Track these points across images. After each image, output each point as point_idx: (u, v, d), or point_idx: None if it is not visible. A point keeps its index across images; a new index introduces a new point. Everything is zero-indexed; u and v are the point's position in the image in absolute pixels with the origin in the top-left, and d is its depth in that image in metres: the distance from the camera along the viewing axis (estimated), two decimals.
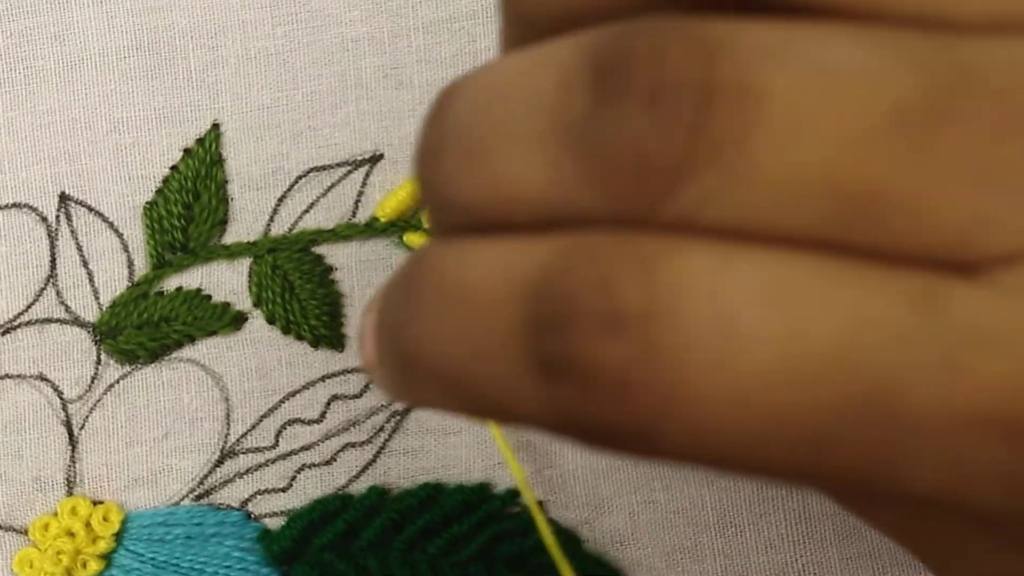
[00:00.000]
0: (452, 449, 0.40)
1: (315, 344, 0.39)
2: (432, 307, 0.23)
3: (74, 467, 0.39)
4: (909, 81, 0.20)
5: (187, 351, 0.39)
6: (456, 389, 0.24)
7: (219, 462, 0.40)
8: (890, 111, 0.19)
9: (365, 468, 0.40)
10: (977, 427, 0.19)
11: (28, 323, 0.39)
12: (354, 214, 0.39)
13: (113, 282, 0.39)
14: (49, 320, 0.39)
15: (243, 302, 0.39)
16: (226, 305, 0.39)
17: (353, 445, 0.40)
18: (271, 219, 0.39)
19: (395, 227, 0.39)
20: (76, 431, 0.39)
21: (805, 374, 0.20)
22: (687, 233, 0.21)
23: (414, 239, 0.39)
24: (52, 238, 0.39)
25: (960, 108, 0.19)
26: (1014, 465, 0.19)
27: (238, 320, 0.39)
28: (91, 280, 0.39)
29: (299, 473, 0.40)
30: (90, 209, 0.39)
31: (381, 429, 0.40)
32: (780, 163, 0.20)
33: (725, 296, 0.20)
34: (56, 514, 0.39)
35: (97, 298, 0.39)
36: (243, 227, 0.39)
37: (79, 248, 0.39)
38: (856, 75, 0.20)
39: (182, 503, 0.40)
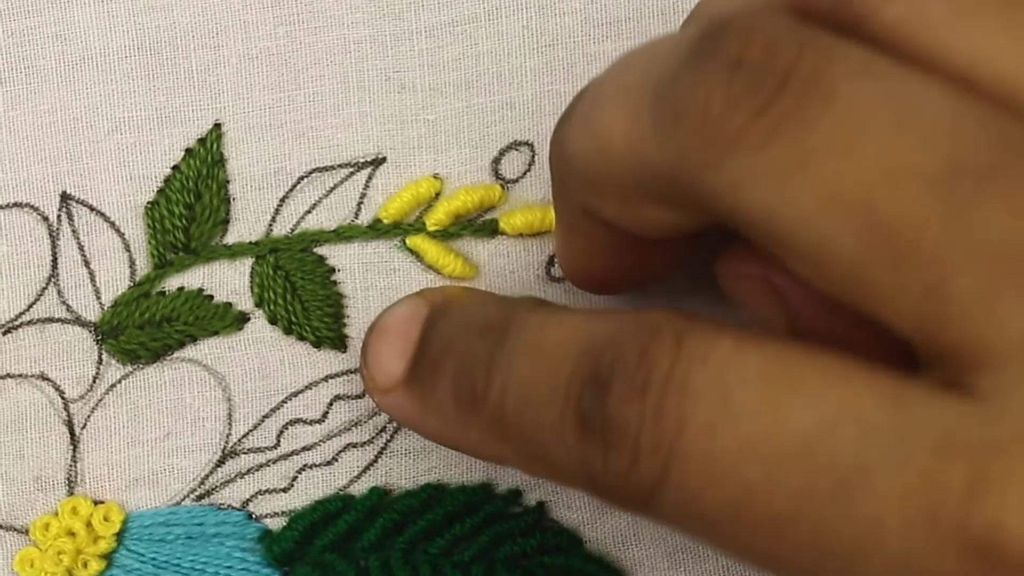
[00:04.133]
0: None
1: (317, 345, 0.39)
2: (515, 355, 0.27)
3: (75, 467, 0.39)
4: (973, 139, 0.20)
5: (189, 351, 0.39)
6: (511, 430, 0.27)
7: (220, 462, 0.40)
8: (947, 160, 0.20)
9: (366, 468, 0.40)
10: (937, 537, 0.19)
11: (29, 323, 0.39)
12: (356, 215, 0.39)
13: (115, 282, 0.39)
14: (50, 320, 0.39)
15: (245, 302, 0.39)
16: (228, 305, 0.39)
17: (355, 445, 0.40)
18: (273, 219, 0.39)
19: (398, 229, 0.39)
20: (77, 431, 0.39)
21: (776, 456, 0.21)
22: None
23: (417, 242, 0.39)
24: (53, 238, 0.39)
25: (1010, 179, 0.20)
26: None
27: (240, 320, 0.39)
28: (92, 280, 0.39)
29: (300, 473, 0.40)
30: (91, 209, 0.39)
31: (383, 430, 0.40)
32: (827, 167, 0.20)
33: (729, 373, 0.21)
34: (57, 514, 0.39)
35: (99, 298, 0.39)
36: (245, 227, 0.39)
37: (80, 248, 0.39)
38: (927, 115, 0.20)
39: (183, 503, 0.40)
